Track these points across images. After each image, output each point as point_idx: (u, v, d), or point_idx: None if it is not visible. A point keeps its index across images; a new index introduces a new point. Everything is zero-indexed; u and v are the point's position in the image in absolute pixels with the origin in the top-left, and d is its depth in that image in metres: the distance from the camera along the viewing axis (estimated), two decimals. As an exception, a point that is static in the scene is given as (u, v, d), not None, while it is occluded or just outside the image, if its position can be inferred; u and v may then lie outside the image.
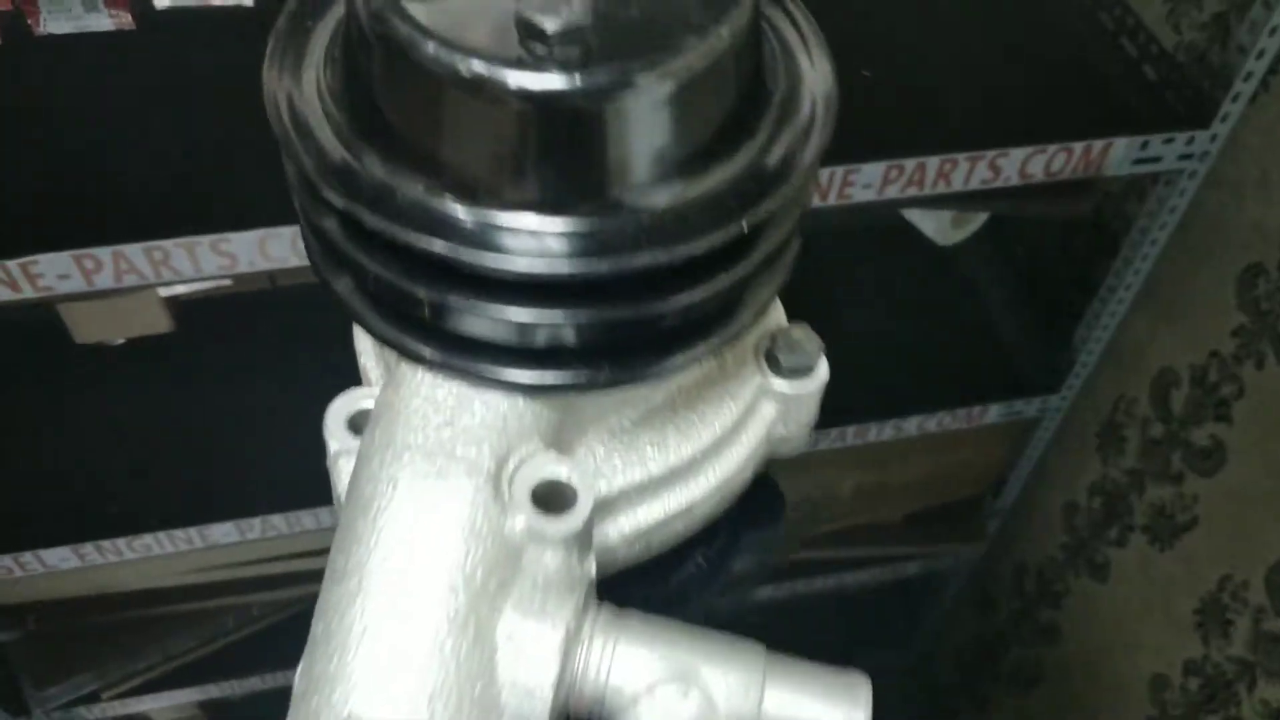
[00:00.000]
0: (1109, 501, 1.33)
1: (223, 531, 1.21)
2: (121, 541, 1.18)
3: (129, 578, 1.27)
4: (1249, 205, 1.05)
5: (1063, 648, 1.44)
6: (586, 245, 0.30)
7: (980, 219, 1.26)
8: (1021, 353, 1.31)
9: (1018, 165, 0.98)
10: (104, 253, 0.84)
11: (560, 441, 0.37)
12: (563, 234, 0.29)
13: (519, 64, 0.28)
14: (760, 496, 0.43)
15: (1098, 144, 0.98)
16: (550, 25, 0.27)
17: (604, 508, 0.38)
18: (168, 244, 0.85)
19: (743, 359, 0.41)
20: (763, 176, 0.31)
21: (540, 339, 0.32)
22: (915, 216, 1.25)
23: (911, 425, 1.25)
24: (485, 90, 0.28)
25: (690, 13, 0.30)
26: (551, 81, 0.28)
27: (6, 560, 1.15)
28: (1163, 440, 1.22)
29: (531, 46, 0.28)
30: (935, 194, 0.98)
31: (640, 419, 0.38)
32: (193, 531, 1.19)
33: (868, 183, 0.95)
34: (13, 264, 0.84)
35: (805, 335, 0.41)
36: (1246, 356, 1.11)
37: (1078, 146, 0.98)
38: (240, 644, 1.36)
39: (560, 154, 0.29)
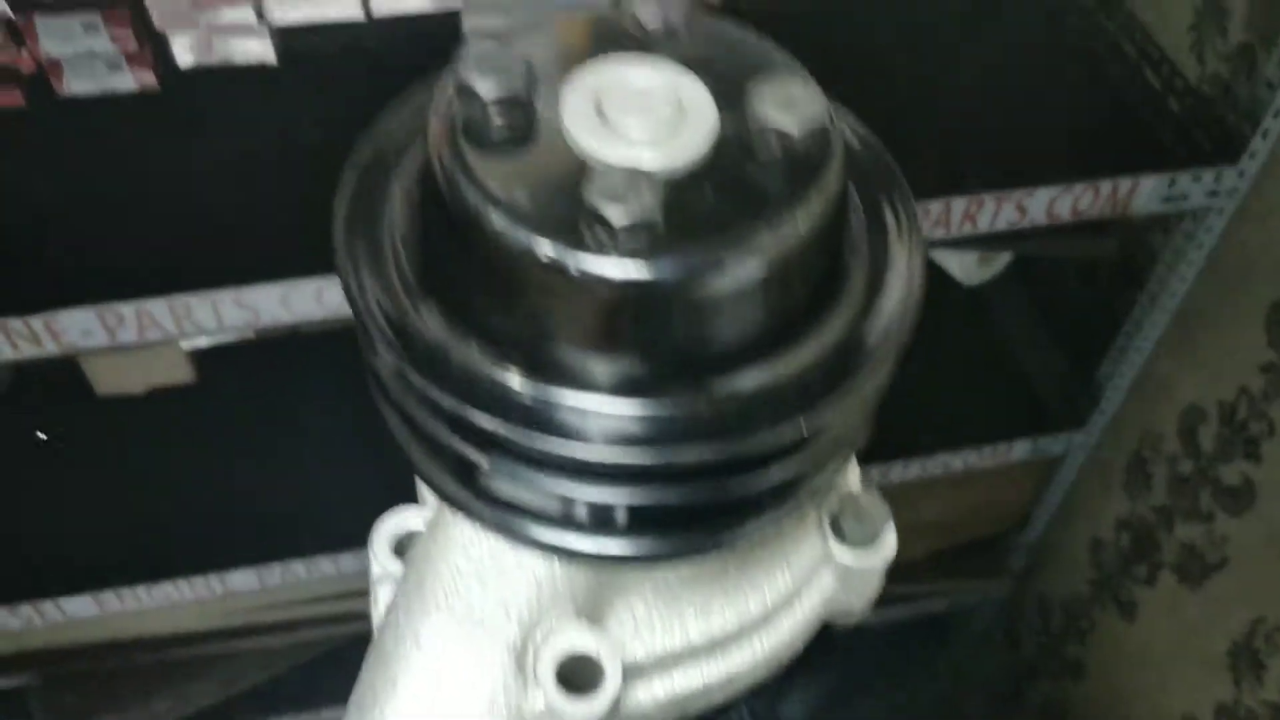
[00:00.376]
0: (1137, 539, 1.31)
1: (243, 578, 1.20)
2: (141, 589, 1.17)
3: (149, 624, 1.26)
4: (1278, 240, 1.04)
5: (1089, 685, 1.43)
6: (640, 432, 0.28)
7: (1006, 257, 1.25)
8: (1047, 389, 1.30)
9: (1044, 205, 0.97)
10: (127, 308, 0.84)
11: (597, 601, 0.35)
12: (611, 415, 0.28)
13: (580, 245, 0.27)
14: (814, 645, 0.41)
15: (1125, 183, 0.97)
16: (617, 218, 0.26)
17: (637, 672, 0.36)
18: (190, 298, 0.84)
19: (804, 523, 0.38)
20: (838, 363, 0.30)
21: (584, 513, 0.31)
22: (940, 256, 1.24)
23: (937, 464, 1.23)
24: (542, 267, 0.27)
25: (768, 193, 0.28)
26: (611, 268, 0.26)
27: (26, 609, 1.14)
28: (1191, 477, 1.21)
29: (596, 232, 0.27)
30: (961, 235, 0.97)
31: (687, 579, 0.36)
32: (213, 578, 1.18)
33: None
34: (36, 320, 0.83)
35: (873, 503, 0.39)
36: (1277, 394, 1.09)
37: (1105, 186, 0.97)
38: (260, 688, 1.35)
39: (621, 338, 0.28)
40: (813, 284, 0.30)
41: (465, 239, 0.28)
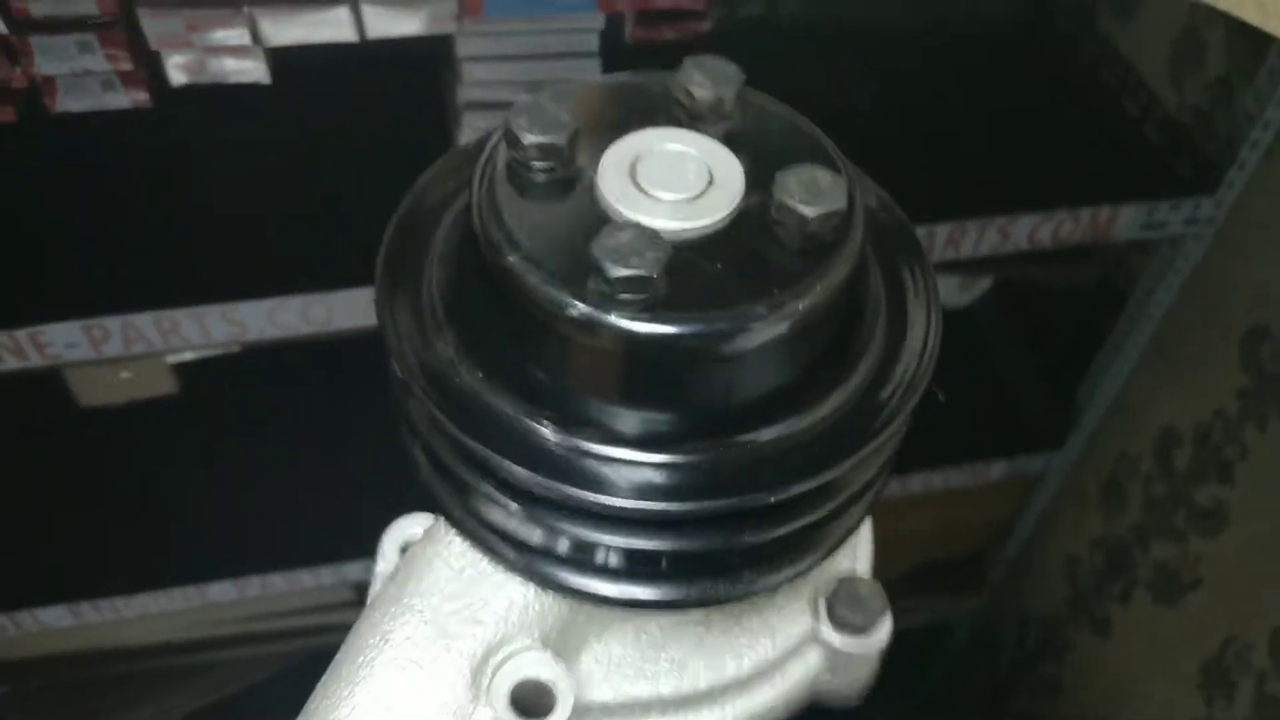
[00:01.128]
0: (1112, 557, 1.33)
1: (222, 590, 1.19)
2: (119, 600, 1.16)
3: (126, 635, 1.25)
4: (1254, 268, 1.06)
5: (1064, 702, 1.44)
6: (639, 483, 0.29)
7: (987, 281, 1.27)
8: (1026, 410, 1.31)
9: (1026, 232, 0.98)
10: (113, 322, 0.84)
11: (572, 634, 0.35)
12: (618, 464, 0.29)
13: (581, 293, 0.28)
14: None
15: (1105, 211, 0.99)
16: (613, 271, 0.27)
17: (603, 712, 0.36)
18: (177, 312, 0.85)
19: (797, 595, 0.39)
20: (850, 425, 0.31)
21: (569, 549, 0.32)
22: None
23: (917, 482, 1.24)
24: (548, 312, 0.28)
25: (777, 271, 0.29)
26: (604, 319, 0.28)
27: (1, 619, 1.14)
28: (1166, 498, 1.23)
29: (597, 283, 0.28)
30: (944, 260, 0.99)
31: (668, 631, 0.37)
32: (191, 590, 1.18)
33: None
34: (21, 333, 0.83)
35: (872, 592, 0.39)
36: (1250, 418, 1.11)
37: (1085, 213, 0.98)
38: (237, 698, 1.34)
39: (618, 389, 0.29)
40: (819, 352, 0.31)
41: (489, 278, 0.29)
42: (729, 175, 0.30)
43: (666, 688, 0.37)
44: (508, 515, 0.31)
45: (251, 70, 0.87)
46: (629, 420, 0.29)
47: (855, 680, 0.40)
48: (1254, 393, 1.08)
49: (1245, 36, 0.98)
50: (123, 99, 0.84)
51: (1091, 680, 1.42)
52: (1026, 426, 1.30)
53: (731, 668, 0.37)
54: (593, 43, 0.93)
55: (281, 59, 0.90)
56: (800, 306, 0.29)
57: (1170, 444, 1.20)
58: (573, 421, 0.29)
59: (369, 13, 0.86)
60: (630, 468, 0.29)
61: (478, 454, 0.29)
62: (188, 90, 0.87)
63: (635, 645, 0.37)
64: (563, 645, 0.35)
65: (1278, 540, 1.08)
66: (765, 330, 0.28)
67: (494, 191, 0.30)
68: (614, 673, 0.36)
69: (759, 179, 0.30)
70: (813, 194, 0.29)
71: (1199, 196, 1.01)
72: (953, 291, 1.27)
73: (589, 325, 0.28)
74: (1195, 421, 1.17)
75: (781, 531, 0.31)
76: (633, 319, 0.27)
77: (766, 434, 0.30)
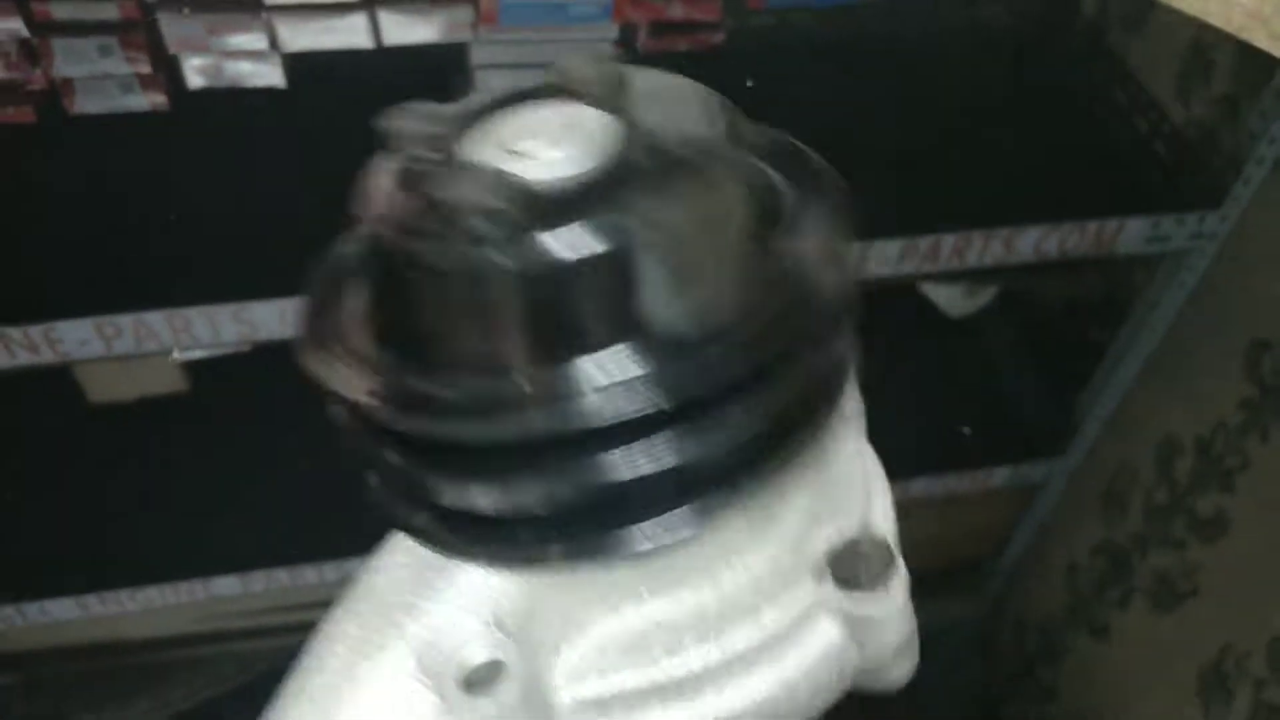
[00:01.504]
0: (1111, 564, 1.33)
1: (226, 584, 1.20)
2: (124, 593, 1.17)
3: (129, 627, 1.26)
4: (1258, 281, 1.07)
5: (1061, 707, 1.45)
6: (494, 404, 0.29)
7: (991, 290, 1.28)
8: (1029, 418, 1.32)
9: (1033, 243, 0.99)
10: (125, 320, 0.85)
11: (542, 624, 0.35)
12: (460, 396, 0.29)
13: (440, 239, 0.28)
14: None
15: (1111, 224, 0.99)
16: (468, 206, 0.28)
17: (596, 708, 0.36)
18: (189, 311, 0.85)
19: (798, 566, 0.36)
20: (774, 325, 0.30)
21: (500, 511, 0.31)
22: (927, 287, 1.26)
23: (919, 488, 1.25)
24: (414, 265, 0.29)
25: (636, 198, 0.29)
26: (464, 256, 0.28)
27: (8, 610, 1.15)
28: (1166, 506, 1.24)
29: (437, 222, 0.28)
30: (950, 269, 0.99)
31: (659, 618, 0.36)
32: (196, 583, 1.19)
33: (884, 258, 0.96)
34: (35, 329, 0.84)
35: (875, 547, 0.37)
36: (1251, 429, 1.12)
37: (1091, 225, 0.99)
38: (238, 690, 1.35)
39: (478, 325, 0.29)
40: (715, 262, 0.30)
41: (379, 264, 0.30)
42: (600, 130, 0.31)
43: (660, 675, 0.35)
44: (438, 489, 0.31)
45: (268, 75, 0.88)
46: (542, 345, 0.29)
47: (886, 649, 0.37)
48: (1257, 404, 1.09)
49: (1252, 56, 0.99)
50: (141, 101, 0.85)
51: (1089, 685, 1.43)
52: (1029, 434, 1.31)
53: (724, 649, 0.35)
54: (606, 52, 0.93)
55: (298, 64, 0.90)
56: (659, 218, 0.28)
57: (1172, 453, 1.21)
58: (486, 371, 0.29)
59: (386, 19, 0.87)
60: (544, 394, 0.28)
61: (389, 424, 0.30)
62: (205, 93, 0.88)
63: (624, 634, 0.35)
64: (534, 636, 0.34)
65: (1278, 550, 1.09)
66: (631, 242, 0.28)
67: (374, 186, 0.31)
68: (602, 664, 0.35)
69: (634, 135, 0.30)
70: (668, 120, 0.29)
71: (1204, 211, 1.01)
72: (957, 300, 1.27)
73: (457, 271, 0.28)
74: (1197, 431, 1.18)
75: (701, 454, 0.30)
76: (495, 251, 0.27)
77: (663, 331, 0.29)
